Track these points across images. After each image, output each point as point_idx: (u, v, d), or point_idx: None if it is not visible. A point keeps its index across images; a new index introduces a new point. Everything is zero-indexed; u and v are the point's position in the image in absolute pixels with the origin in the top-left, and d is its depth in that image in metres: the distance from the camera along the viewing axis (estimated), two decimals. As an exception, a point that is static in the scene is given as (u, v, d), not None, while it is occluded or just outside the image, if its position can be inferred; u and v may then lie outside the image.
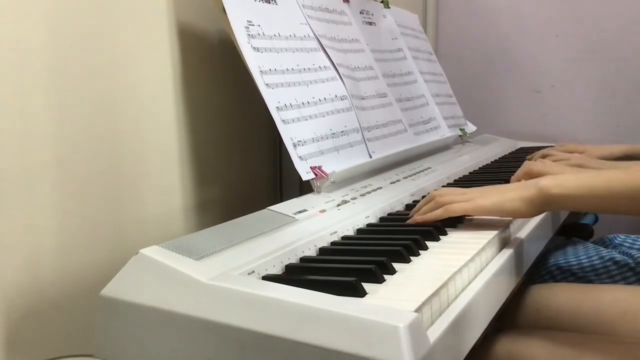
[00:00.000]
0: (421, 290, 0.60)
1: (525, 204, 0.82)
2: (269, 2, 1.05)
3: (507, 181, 1.12)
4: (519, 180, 1.10)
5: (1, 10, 0.73)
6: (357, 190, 0.99)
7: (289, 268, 0.71)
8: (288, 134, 0.94)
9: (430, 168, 1.25)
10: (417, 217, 0.87)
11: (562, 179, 0.81)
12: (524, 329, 0.99)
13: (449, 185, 1.19)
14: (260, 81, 0.94)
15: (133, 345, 0.61)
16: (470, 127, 1.69)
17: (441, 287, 0.62)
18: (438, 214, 0.85)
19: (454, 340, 0.61)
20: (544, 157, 1.32)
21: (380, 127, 1.20)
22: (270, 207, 0.84)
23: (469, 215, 0.88)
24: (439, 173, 1.22)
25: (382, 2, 1.52)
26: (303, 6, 1.13)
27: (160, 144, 0.97)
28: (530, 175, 1.10)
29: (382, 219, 0.93)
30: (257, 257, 0.68)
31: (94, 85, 0.85)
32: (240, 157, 1.15)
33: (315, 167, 0.95)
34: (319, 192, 0.94)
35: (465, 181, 1.24)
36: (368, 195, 0.98)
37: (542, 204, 0.81)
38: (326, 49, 1.13)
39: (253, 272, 0.66)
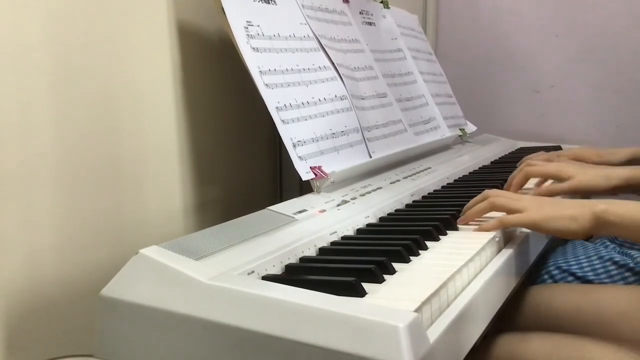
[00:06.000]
0: (421, 290, 0.60)
1: (579, 226, 0.81)
2: (269, 2, 1.05)
3: (506, 181, 1.13)
4: (517, 182, 1.10)
5: (1, 10, 0.73)
6: (357, 190, 0.99)
7: (289, 268, 0.71)
8: (288, 134, 0.94)
9: (430, 168, 1.25)
10: (477, 229, 0.86)
11: (618, 206, 0.81)
12: (524, 330, 0.99)
13: (449, 185, 1.19)
14: (259, 81, 0.94)
15: (133, 345, 0.61)
16: (470, 127, 1.69)
17: (441, 287, 0.62)
18: (494, 225, 0.85)
19: (453, 340, 0.61)
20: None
21: (380, 127, 1.20)
22: (270, 207, 0.84)
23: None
24: (439, 173, 1.22)
25: (382, 2, 1.52)
26: (303, 6, 1.13)
27: (160, 144, 0.97)
28: (527, 177, 1.09)
29: (382, 219, 0.93)
30: (257, 257, 0.68)
31: (94, 85, 0.85)
32: (240, 157, 1.15)
33: (315, 167, 0.95)
34: (318, 192, 0.94)
35: (465, 181, 1.24)
36: (368, 195, 0.98)
37: (595, 227, 0.81)
38: (326, 49, 1.13)
39: (253, 272, 0.66)
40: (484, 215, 0.90)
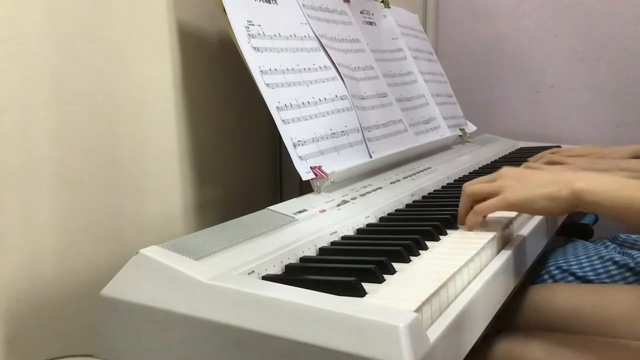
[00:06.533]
0: (421, 290, 0.60)
1: (555, 204, 0.79)
2: (269, 2, 1.05)
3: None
4: None
5: (1, 10, 0.73)
6: (357, 190, 0.99)
7: (289, 268, 0.71)
8: (288, 134, 0.94)
9: (430, 168, 1.25)
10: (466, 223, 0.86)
11: (597, 183, 0.77)
12: (524, 330, 0.99)
13: (449, 185, 1.19)
14: (260, 81, 0.94)
15: (133, 345, 0.61)
16: (470, 127, 1.69)
17: (441, 287, 0.62)
18: (473, 221, 0.84)
19: (453, 340, 0.61)
20: (550, 162, 1.29)
21: (381, 127, 1.20)
22: (270, 207, 0.84)
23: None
24: (439, 173, 1.22)
25: (382, 2, 1.52)
26: (303, 6, 1.14)
27: (160, 144, 0.97)
28: None
29: (382, 219, 0.93)
30: (257, 257, 0.68)
31: (94, 85, 0.85)
32: (240, 157, 1.15)
33: (315, 167, 0.95)
34: (318, 192, 0.94)
35: (465, 181, 1.23)
36: (368, 195, 0.98)
37: (572, 206, 0.79)
38: (326, 48, 1.13)
39: (253, 272, 0.66)
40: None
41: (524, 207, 0.82)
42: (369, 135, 1.13)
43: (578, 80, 1.90)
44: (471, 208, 0.88)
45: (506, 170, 0.87)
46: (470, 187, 0.87)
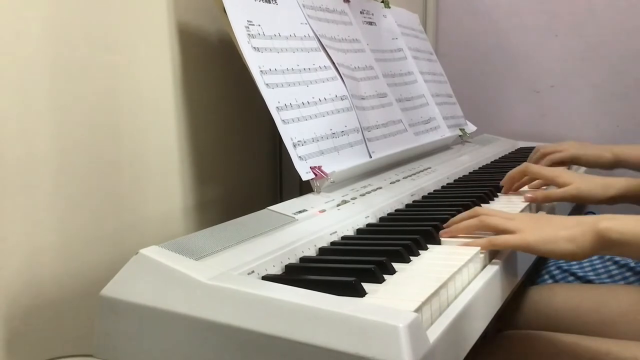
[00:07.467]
0: (421, 290, 0.60)
1: (579, 247, 0.73)
2: (269, 2, 1.05)
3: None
4: (513, 179, 1.08)
5: (1, 10, 0.73)
6: (357, 190, 0.99)
7: (289, 268, 0.71)
8: (288, 134, 0.94)
9: (430, 168, 1.25)
10: (461, 241, 0.79)
11: (623, 222, 0.73)
12: (524, 329, 0.99)
13: (449, 185, 1.19)
14: (260, 81, 0.94)
15: (133, 345, 0.61)
16: (470, 127, 1.69)
17: (441, 287, 0.62)
18: (484, 244, 0.77)
19: (453, 340, 0.61)
20: (544, 155, 1.29)
21: (380, 127, 1.20)
22: (270, 207, 0.84)
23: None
24: (439, 173, 1.22)
25: (382, 2, 1.52)
26: (303, 6, 1.13)
27: (160, 144, 0.97)
28: (525, 174, 1.07)
29: (382, 219, 0.93)
30: (257, 257, 0.68)
31: (94, 84, 0.85)
32: (240, 157, 1.15)
33: (315, 167, 0.95)
34: (318, 192, 0.94)
35: (465, 181, 1.24)
36: (368, 195, 0.98)
37: (599, 247, 0.74)
38: (326, 48, 1.13)
39: (253, 272, 0.66)
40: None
41: (544, 249, 0.75)
42: (369, 135, 1.13)
43: (578, 80, 1.90)
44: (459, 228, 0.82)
45: (523, 215, 0.82)
46: (487, 218, 0.80)
